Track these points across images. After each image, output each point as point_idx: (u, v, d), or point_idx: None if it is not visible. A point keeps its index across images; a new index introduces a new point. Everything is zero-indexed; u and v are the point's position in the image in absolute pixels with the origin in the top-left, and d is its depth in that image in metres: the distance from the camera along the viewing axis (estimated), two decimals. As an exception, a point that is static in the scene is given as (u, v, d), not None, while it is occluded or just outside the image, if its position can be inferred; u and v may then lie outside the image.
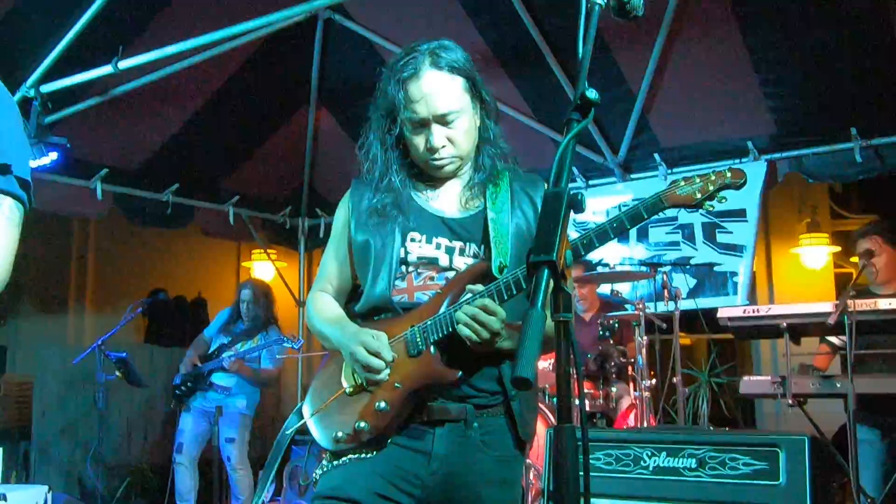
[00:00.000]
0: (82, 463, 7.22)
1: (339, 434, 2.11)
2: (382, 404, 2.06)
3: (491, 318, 1.97)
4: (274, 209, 7.57)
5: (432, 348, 2.07)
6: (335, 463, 2.14)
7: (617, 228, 1.98)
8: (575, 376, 1.33)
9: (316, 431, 2.20)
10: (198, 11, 5.42)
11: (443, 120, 2.14)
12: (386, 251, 2.17)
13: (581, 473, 1.30)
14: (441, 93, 2.12)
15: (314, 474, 2.21)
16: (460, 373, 2.06)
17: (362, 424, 2.07)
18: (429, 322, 2.07)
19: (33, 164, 5.10)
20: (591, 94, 1.42)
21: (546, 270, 1.26)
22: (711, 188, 2.03)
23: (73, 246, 9.14)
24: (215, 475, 5.99)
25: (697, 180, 2.04)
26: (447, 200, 2.25)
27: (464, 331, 1.98)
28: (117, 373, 5.88)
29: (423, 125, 2.15)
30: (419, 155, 2.20)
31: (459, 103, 2.15)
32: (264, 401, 6.73)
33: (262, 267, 9.33)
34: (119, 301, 7.76)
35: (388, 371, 2.07)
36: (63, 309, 9.05)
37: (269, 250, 8.13)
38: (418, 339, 2.08)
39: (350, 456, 2.12)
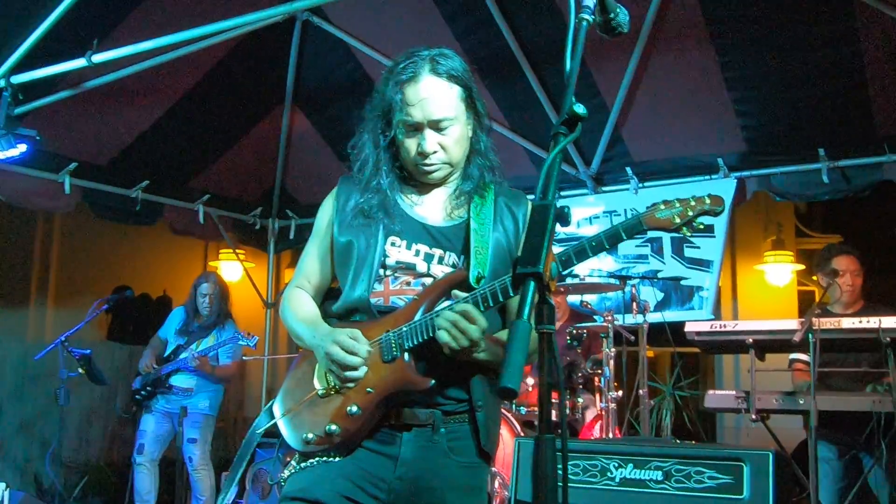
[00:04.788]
0: (39, 460, 7.12)
1: (310, 436, 2.10)
2: (354, 408, 2.06)
3: (471, 326, 1.96)
4: (244, 209, 7.50)
5: (406, 355, 2.07)
6: (303, 465, 2.13)
7: (596, 247, 1.99)
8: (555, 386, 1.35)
9: (286, 432, 2.19)
10: (175, 8, 5.37)
11: (436, 126, 2.15)
12: (369, 252, 2.18)
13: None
14: (437, 99, 2.13)
15: (281, 475, 2.20)
16: (433, 381, 2.05)
17: (333, 427, 2.07)
18: (404, 328, 2.07)
19: (1, 154, 5.03)
20: (579, 108, 1.45)
21: (532, 282, 1.28)
22: (690, 213, 2.02)
23: (37, 239, 8.98)
24: (177, 475, 5.93)
25: (677, 204, 2.03)
26: (432, 208, 2.26)
27: (443, 336, 1.97)
28: (80, 370, 5.79)
29: (416, 129, 2.16)
30: (410, 158, 2.21)
31: (454, 111, 2.16)
32: (227, 402, 6.68)
33: (230, 267, 9.24)
34: (82, 297, 7.66)
35: (364, 369, 2.07)
36: (24, 303, 8.89)
37: (237, 250, 8.06)
38: (393, 345, 2.08)
39: (318, 458, 2.11)
